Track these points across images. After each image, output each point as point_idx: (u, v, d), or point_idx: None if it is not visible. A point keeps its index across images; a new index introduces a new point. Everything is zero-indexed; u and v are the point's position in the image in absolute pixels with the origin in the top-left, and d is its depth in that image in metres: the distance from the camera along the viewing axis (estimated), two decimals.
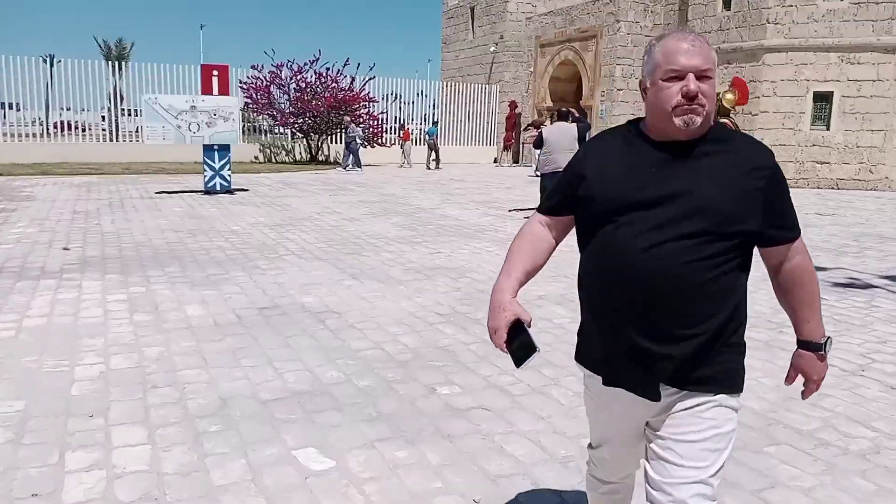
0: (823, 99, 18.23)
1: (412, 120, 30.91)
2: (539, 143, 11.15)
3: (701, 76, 1.65)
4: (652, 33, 24.41)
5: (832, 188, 18.02)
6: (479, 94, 31.23)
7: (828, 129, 18.18)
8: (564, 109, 11.37)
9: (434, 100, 31.54)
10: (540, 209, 1.98)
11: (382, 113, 26.99)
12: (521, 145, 29.19)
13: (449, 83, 32.28)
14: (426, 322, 5.30)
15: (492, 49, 31.38)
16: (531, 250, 1.93)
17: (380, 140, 26.10)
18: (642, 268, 1.66)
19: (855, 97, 17.86)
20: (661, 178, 1.69)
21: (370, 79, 26.21)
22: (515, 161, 28.67)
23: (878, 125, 17.71)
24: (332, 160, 26.88)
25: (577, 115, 13.14)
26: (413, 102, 29.77)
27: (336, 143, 27.34)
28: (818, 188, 18.06)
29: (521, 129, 22.50)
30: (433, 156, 25.16)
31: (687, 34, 1.70)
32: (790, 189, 1.80)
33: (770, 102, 18.52)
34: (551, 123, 11.68)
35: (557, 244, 1.99)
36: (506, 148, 28.63)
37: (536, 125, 13.48)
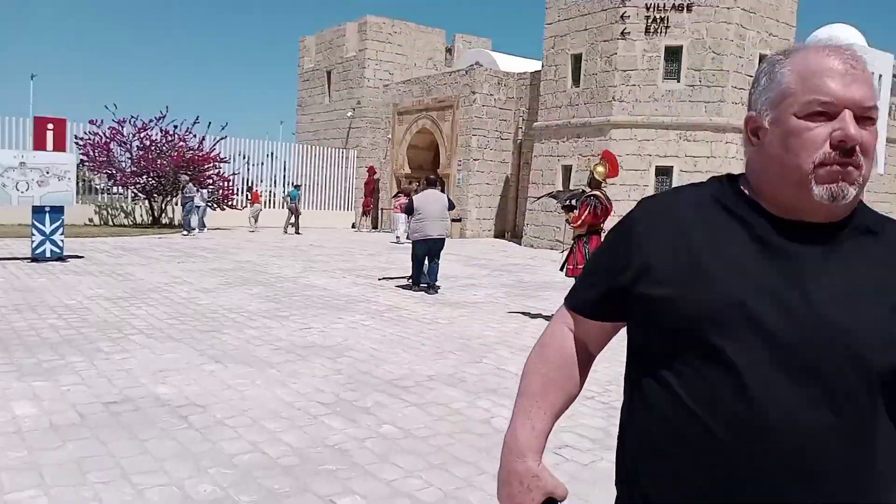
0: (664, 173, 19.54)
1: (261, 182, 29.87)
2: (410, 209, 10.89)
3: (863, 117, 1.07)
4: (505, 106, 25.40)
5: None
6: (336, 159, 30.87)
7: None
8: (433, 177, 11.22)
9: (285, 162, 30.72)
10: (570, 305, 1.33)
11: (235, 174, 25.85)
12: (379, 211, 29.01)
13: (305, 146, 31.70)
14: (308, 414, 4.64)
15: (349, 114, 31.35)
16: (561, 378, 1.29)
17: (230, 202, 24.86)
18: (791, 435, 1.03)
19: (692, 171, 19.28)
20: (791, 282, 1.08)
21: (221, 138, 25.10)
22: (374, 227, 28.38)
23: None
24: (176, 223, 25.20)
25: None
26: (263, 164, 28.77)
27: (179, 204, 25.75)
28: None
29: (392, 195, 22.23)
30: (292, 219, 24.30)
31: (840, 49, 1.11)
32: None
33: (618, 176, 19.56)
34: (421, 190, 11.48)
35: (594, 359, 1.37)
36: (364, 213, 28.29)
37: (406, 192, 13.23)
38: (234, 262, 13.62)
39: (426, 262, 10.62)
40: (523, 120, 25.53)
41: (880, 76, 28.19)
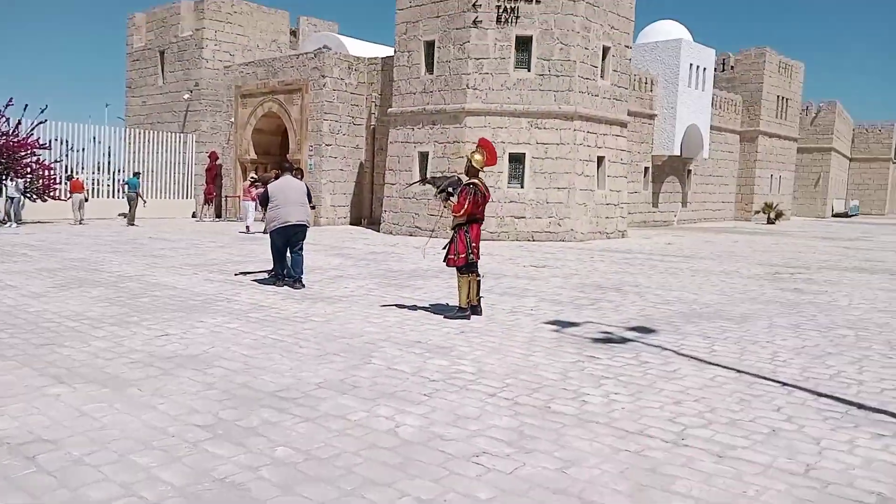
0: (517, 160, 19.89)
1: (83, 169, 27.20)
2: (265, 200, 10.15)
3: None
4: (357, 91, 24.80)
5: (528, 240, 19.60)
6: (172, 143, 28.76)
7: (522, 187, 19.83)
8: (288, 163, 10.52)
9: (109, 147, 28.10)
10: None
11: (57, 161, 23.27)
12: (223, 199, 27.39)
13: (136, 130, 29.26)
14: (186, 441, 4.01)
15: (185, 96, 29.28)
16: None
17: (52, 193, 22.38)
18: None
19: (543, 158, 19.79)
20: None
21: (40, 122, 22.47)
22: (218, 215, 26.77)
23: (562, 183, 19.80)
24: None
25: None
26: (84, 149, 26.09)
27: None
28: (517, 240, 19.51)
29: (247, 180, 20.85)
30: (134, 210, 22.43)
31: None
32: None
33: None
34: (276, 178, 10.74)
35: None
36: (207, 202, 26.58)
37: (265, 181, 12.36)
38: (65, 261, 12.14)
39: (288, 253, 9.96)
40: (376, 106, 25.06)
41: (704, 69, 30.57)
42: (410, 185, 13.62)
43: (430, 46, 20.75)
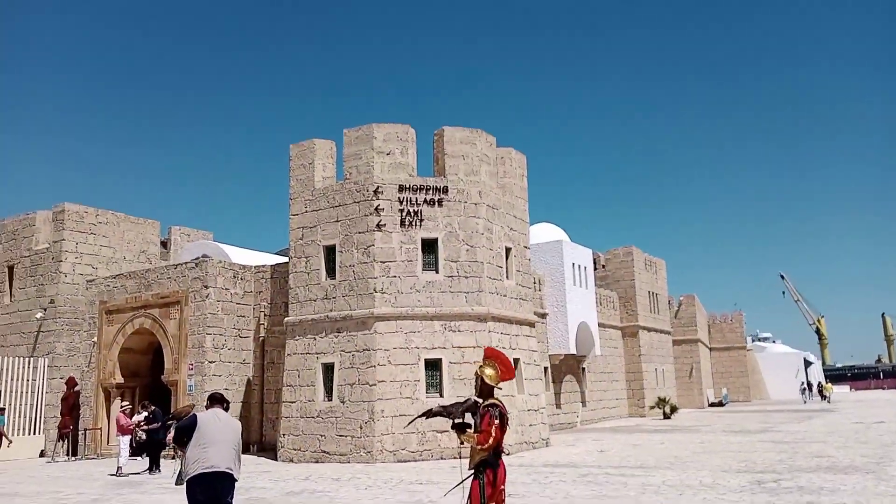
0: (434, 366, 18.43)
1: None
2: (183, 434, 7.85)
3: None
4: (243, 301, 22.93)
5: (455, 457, 17.57)
6: (18, 370, 24.80)
7: (441, 395, 18.18)
8: (218, 394, 8.36)
9: None
10: None
11: None
12: (80, 432, 23.33)
13: None
14: None
15: (38, 315, 25.92)
16: None
17: None
18: None
19: (461, 363, 18.46)
20: None
21: None
22: (74, 453, 22.58)
23: None
24: None
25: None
26: None
27: None
28: (441, 458, 17.48)
29: (122, 409, 17.34)
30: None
31: None
32: None
33: (386, 371, 18.00)
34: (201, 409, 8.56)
35: None
36: (61, 437, 22.48)
37: (178, 416, 10.03)
38: None
39: None
40: (265, 316, 23.13)
41: (584, 267, 31.54)
42: (413, 421, 10.62)
43: (330, 251, 19.66)
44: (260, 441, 22.32)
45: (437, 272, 19.04)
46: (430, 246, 19.17)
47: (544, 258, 29.74)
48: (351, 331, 18.72)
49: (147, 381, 24.41)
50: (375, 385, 17.86)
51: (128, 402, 18.02)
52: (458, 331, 18.75)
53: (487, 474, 5.93)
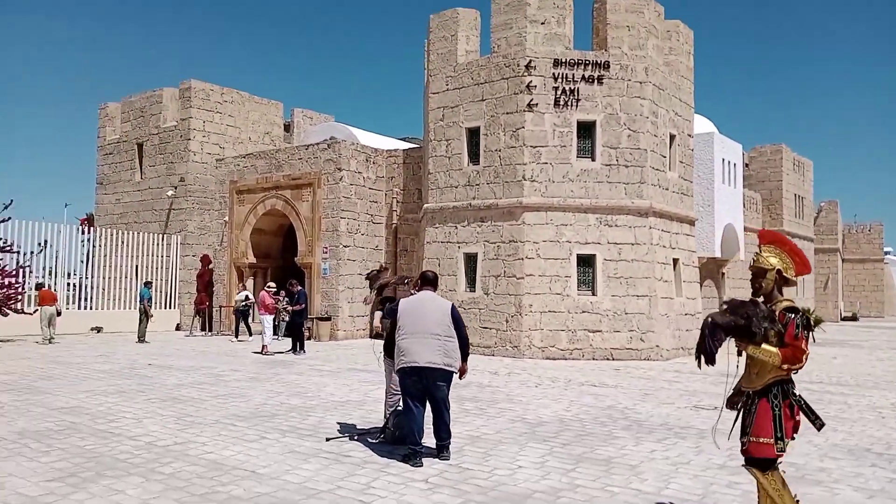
0: (586, 262, 16.91)
1: (51, 275, 23.34)
2: (391, 317, 6.84)
3: None
4: (375, 186, 21.89)
5: (607, 358, 16.34)
6: (153, 246, 25.09)
7: (594, 294, 16.77)
8: (431, 273, 7.11)
9: (86, 248, 24.19)
10: None
11: (24, 266, 19.35)
12: (215, 309, 23.53)
13: (109, 231, 25.56)
14: None
15: (169, 193, 25.91)
16: None
17: (14, 305, 18.37)
18: None
19: (617, 261, 16.85)
20: None
21: (3, 221, 18.70)
22: (210, 329, 22.81)
23: (642, 290, 16.79)
24: None
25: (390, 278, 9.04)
26: (57, 251, 22.19)
27: None
28: (593, 359, 16.24)
29: (267, 290, 16.88)
30: (144, 325, 18.76)
31: None
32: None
33: (535, 265, 16.62)
34: (406, 290, 7.43)
35: None
36: (197, 313, 22.70)
37: (373, 279, 8.92)
38: (52, 414, 8.34)
39: (421, 407, 6.48)
40: (397, 202, 22.08)
41: (734, 164, 28.65)
42: (710, 352, 6.35)
43: (473, 134, 18.05)
44: None
45: (593, 159, 17.16)
46: (586, 129, 17.22)
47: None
48: (496, 220, 17.33)
49: (279, 262, 24.19)
50: (523, 279, 16.58)
51: (271, 284, 17.51)
52: (615, 225, 17.01)
53: (784, 404, 4.33)
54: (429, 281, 6.81)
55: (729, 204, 27.39)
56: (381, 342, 7.55)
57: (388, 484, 5.68)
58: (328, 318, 20.33)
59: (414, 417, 6.35)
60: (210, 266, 23.13)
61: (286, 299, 18.01)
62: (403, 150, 22.41)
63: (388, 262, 22.05)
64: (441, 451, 6.40)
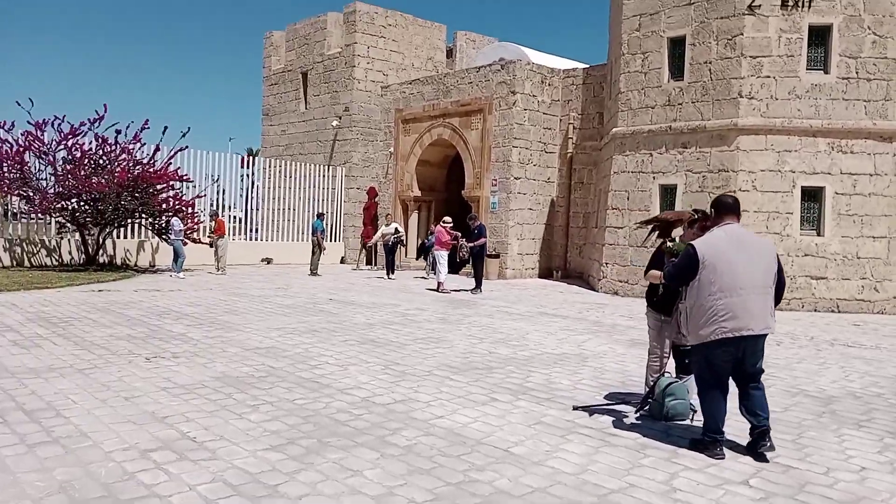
0: (812, 196, 14.34)
1: (226, 207, 23.65)
2: (692, 264, 4.88)
3: None
4: (550, 111, 20.02)
5: (832, 310, 13.91)
6: (317, 178, 24.78)
7: (820, 234, 14.24)
8: (731, 199, 5.24)
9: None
10: None
11: (200, 196, 19.48)
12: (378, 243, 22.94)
13: (277, 161, 25.49)
14: None
15: (334, 123, 25.37)
16: None
17: (196, 234, 18.51)
18: None
19: (851, 195, 14.16)
20: None
21: (181, 149, 18.72)
22: (375, 262, 22.29)
23: (880, 230, 14.07)
24: (120, 263, 18.69)
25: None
26: (231, 182, 22.34)
27: (128, 236, 19.25)
28: (815, 310, 13.87)
29: (442, 226, 15.73)
30: (317, 257, 18.55)
31: None
32: None
33: (749, 199, 14.27)
34: (697, 222, 5.63)
35: None
36: (363, 246, 22.21)
37: (674, 219, 6.39)
38: (249, 357, 7.54)
39: (727, 385, 4.82)
40: (574, 129, 20.12)
41: None
42: None
43: (677, 44, 15.65)
44: (564, 266, 20.22)
45: (826, 72, 14.33)
46: (820, 35, 14.36)
47: None
48: (702, 146, 15.04)
49: (443, 196, 23.13)
50: None
51: (448, 218, 16.36)
52: (851, 152, 14.24)
53: None
54: (731, 209, 4.94)
55: None
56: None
57: (697, 486, 4.17)
58: (497, 256, 19.04)
59: (722, 398, 4.74)
60: (376, 199, 22.43)
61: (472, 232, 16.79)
62: (583, 68, 20.25)
63: (561, 195, 20.32)
64: (760, 440, 4.67)
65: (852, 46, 14.21)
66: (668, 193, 15.66)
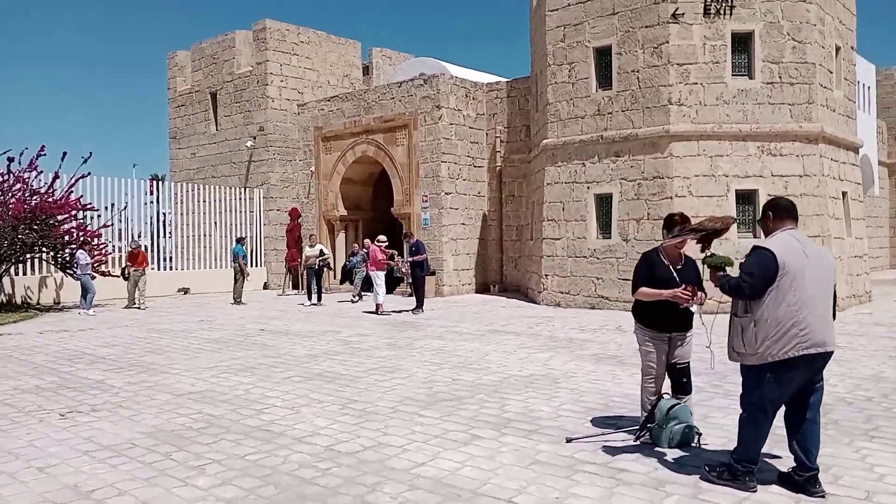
0: (746, 199, 14.44)
1: (139, 236, 22.00)
2: (762, 284, 4.15)
3: None
4: (476, 126, 19.66)
5: None
6: (234, 201, 23.50)
7: (756, 237, 14.31)
8: (786, 202, 4.51)
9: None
10: None
11: (106, 226, 17.92)
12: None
13: (184, 186, 23.94)
14: None
15: (248, 144, 24.21)
16: None
17: (103, 267, 16.96)
18: None
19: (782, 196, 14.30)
20: None
21: (82, 176, 17.16)
22: (301, 287, 21.18)
23: (813, 230, 14.26)
24: (20, 302, 16.94)
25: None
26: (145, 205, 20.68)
27: (28, 272, 17.51)
28: None
29: (377, 244, 14.74)
30: (240, 285, 17.33)
31: None
32: None
33: (686, 204, 14.20)
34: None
35: None
36: (289, 270, 21.09)
37: (719, 225, 5.50)
38: (182, 404, 6.56)
39: (776, 412, 4.25)
40: (501, 142, 19.81)
41: (868, 87, 25.28)
42: None
43: (603, 54, 15.55)
44: (500, 280, 19.79)
45: (751, 77, 14.50)
46: (742, 42, 14.53)
47: None
48: (635, 154, 14.93)
49: (370, 214, 22.33)
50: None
51: (383, 237, 15.57)
52: (780, 154, 14.43)
53: None
54: (792, 213, 4.30)
55: (863, 133, 24.19)
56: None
57: None
58: (433, 273, 18.39)
59: (770, 426, 4.20)
60: (299, 220, 21.40)
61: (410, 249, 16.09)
62: (506, 81, 20.01)
63: (492, 209, 19.93)
64: (810, 486, 4.08)
65: (774, 52, 14.46)
66: (603, 202, 15.47)
